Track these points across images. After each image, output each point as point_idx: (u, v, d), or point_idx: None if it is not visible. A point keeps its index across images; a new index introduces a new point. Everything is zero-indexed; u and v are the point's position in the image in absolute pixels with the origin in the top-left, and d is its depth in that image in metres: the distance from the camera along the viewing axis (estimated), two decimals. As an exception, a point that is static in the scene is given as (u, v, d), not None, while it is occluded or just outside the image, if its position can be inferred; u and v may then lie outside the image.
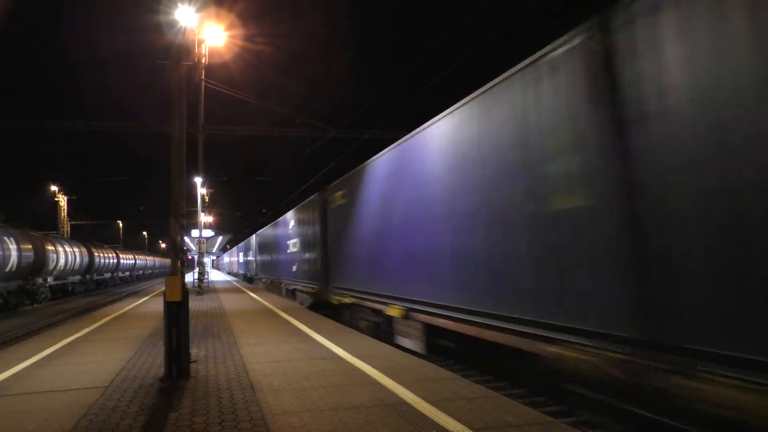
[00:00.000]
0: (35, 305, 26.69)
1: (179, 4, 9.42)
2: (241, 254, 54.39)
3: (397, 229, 9.82)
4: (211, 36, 17.35)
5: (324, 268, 15.38)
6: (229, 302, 18.24)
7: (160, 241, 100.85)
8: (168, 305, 6.51)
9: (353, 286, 12.47)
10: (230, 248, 79.07)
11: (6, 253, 22.31)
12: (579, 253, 5.13)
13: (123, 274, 52.17)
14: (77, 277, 34.96)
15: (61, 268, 30.32)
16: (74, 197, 55.00)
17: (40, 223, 47.51)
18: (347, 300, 12.85)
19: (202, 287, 25.26)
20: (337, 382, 5.90)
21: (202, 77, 20.20)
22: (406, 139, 9.49)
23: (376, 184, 11.16)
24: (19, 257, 23.57)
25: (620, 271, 4.66)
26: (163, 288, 6.65)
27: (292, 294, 20.47)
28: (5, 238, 22.46)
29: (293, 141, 26.28)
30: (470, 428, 4.23)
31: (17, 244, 23.49)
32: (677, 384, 4.09)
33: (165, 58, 7.60)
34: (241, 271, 51.17)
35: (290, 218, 21.63)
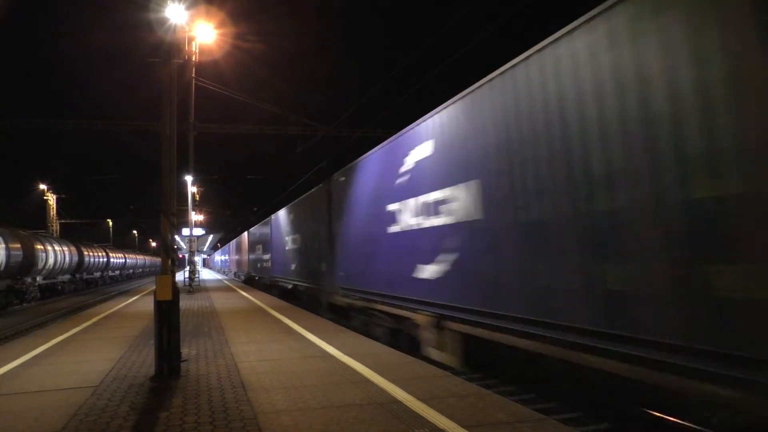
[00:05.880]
0: (24, 305, 26.46)
1: (169, 2, 9.36)
2: (232, 253, 51.01)
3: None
4: (201, 34, 17.26)
5: (330, 266, 13.67)
6: (220, 301, 18.18)
7: (151, 240, 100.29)
8: (158, 304, 6.48)
9: (365, 287, 10.79)
10: (221, 247, 78.70)
11: (-6, 252, 22.09)
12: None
13: (113, 273, 51.81)
14: (67, 277, 34.68)
15: (51, 267, 30.07)
16: (63, 196, 54.51)
17: (29, 222, 47.10)
18: (358, 303, 11.25)
19: (193, 286, 25.17)
20: (329, 381, 5.90)
21: (193, 75, 20.09)
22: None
23: (404, 164, 8.97)
24: (8, 256, 23.35)
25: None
26: (154, 287, 6.63)
27: (291, 294, 19.41)
28: (-7, 237, 22.24)
29: (285, 139, 26.27)
30: (462, 425, 4.25)
31: (6, 243, 23.27)
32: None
33: (155, 56, 7.56)
34: (234, 270, 48.11)
35: (289, 212, 20.35)
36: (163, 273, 6.74)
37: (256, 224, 35.45)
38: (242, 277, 38.79)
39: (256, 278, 29.92)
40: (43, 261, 28.67)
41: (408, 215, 8.80)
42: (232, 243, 52.83)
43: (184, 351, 7.57)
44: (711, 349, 3.66)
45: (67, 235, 46.82)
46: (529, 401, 6.36)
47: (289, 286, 19.70)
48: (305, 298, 17.02)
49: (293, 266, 19.24)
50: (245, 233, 38.67)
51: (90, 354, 8.23)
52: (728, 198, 3.62)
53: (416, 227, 8.42)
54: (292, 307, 15.12)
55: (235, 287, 27.87)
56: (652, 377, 4.07)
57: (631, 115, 4.33)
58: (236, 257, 46.44)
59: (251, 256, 33.62)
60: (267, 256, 26.38)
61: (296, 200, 19.26)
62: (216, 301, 18.01)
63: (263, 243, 27.98)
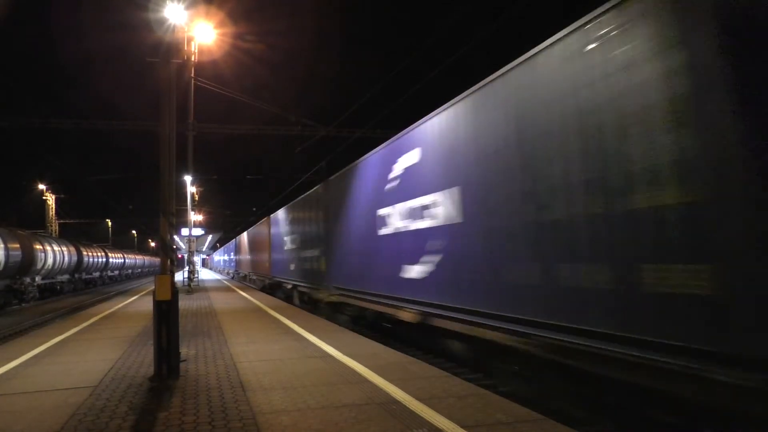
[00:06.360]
0: (23, 305, 26.44)
1: (168, 2, 9.36)
2: (239, 251, 43.14)
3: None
4: (201, 34, 17.26)
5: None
6: (219, 301, 18.18)
7: (150, 240, 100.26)
8: (158, 304, 6.48)
9: None
10: (220, 246, 78.45)
11: (-7, 252, 22.09)
12: None
13: (112, 273, 51.80)
14: (66, 276, 34.66)
15: (50, 267, 30.05)
16: (62, 196, 54.48)
17: (28, 222, 47.05)
18: None
19: (192, 286, 25.16)
20: (328, 381, 5.90)
21: (192, 75, 20.08)
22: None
23: None
24: (7, 256, 23.34)
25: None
26: (153, 287, 6.62)
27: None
28: (-8, 237, 22.24)
29: (284, 139, 26.23)
30: (461, 426, 4.25)
31: (5, 243, 23.26)
32: None
33: (154, 56, 7.55)
34: (242, 272, 39.31)
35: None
36: (162, 273, 6.74)
37: (256, 223, 31.55)
38: (258, 283, 28.74)
39: (290, 286, 19.13)
40: (42, 261, 28.65)
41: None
42: (240, 238, 43.24)
43: (183, 351, 7.57)
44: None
45: (66, 235, 46.80)
46: (529, 401, 6.35)
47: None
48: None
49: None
50: (264, 222, 27.76)
51: (89, 354, 8.23)
52: None
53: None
54: (291, 307, 15.11)
55: (234, 287, 27.84)
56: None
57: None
58: (246, 256, 36.96)
59: (276, 256, 22.84)
60: (313, 253, 15.56)
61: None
62: (215, 301, 18.00)
63: (307, 233, 16.68)
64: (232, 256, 52.61)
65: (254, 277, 31.01)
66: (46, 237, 33.20)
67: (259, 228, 29.52)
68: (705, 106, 3.86)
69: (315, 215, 15.63)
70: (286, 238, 20.25)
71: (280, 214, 22.28)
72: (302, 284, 17.06)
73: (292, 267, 18.91)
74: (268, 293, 22.47)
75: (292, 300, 18.31)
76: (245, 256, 38.28)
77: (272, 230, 24.34)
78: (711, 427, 4.37)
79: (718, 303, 3.74)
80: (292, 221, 19.43)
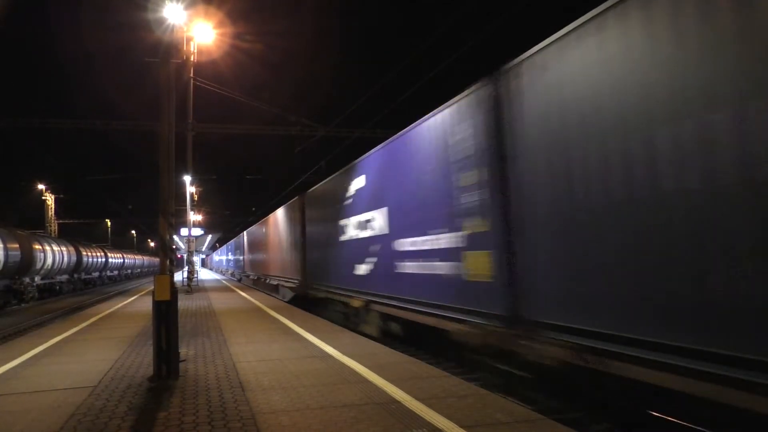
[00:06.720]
0: (22, 305, 26.43)
1: (167, 2, 9.36)
2: (244, 249, 37.53)
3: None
4: (200, 34, 17.27)
5: None
6: (218, 301, 18.17)
7: (149, 240, 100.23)
8: (157, 304, 6.47)
9: None
10: (220, 246, 78.30)
11: (-8, 252, 22.08)
12: None
13: (111, 273, 51.78)
14: (65, 277, 34.64)
15: (49, 267, 30.04)
16: (62, 196, 54.48)
17: (27, 222, 47.03)
18: None
19: (192, 286, 25.15)
20: (327, 381, 5.90)
21: (191, 75, 20.09)
22: None
23: None
24: (6, 257, 23.33)
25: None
26: (152, 287, 6.62)
27: None
28: (-9, 238, 22.23)
29: (283, 139, 26.17)
30: (460, 425, 4.25)
31: (4, 243, 23.25)
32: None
33: (153, 56, 7.56)
34: (252, 274, 32.05)
35: None
36: (162, 273, 6.73)
37: (258, 222, 30.02)
38: (283, 291, 20.36)
39: (358, 303, 11.06)
40: (42, 261, 28.63)
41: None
42: (248, 234, 36.27)
43: (183, 351, 7.57)
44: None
45: (65, 235, 46.75)
46: (528, 401, 6.35)
47: None
48: None
49: None
50: (290, 206, 19.63)
51: (88, 354, 8.22)
52: None
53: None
54: (291, 308, 15.10)
55: (233, 288, 27.83)
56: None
57: None
58: (259, 255, 29.59)
59: (322, 252, 14.93)
60: (442, 241, 7.46)
61: None
62: (214, 302, 18.00)
63: (418, 203, 8.29)
64: (236, 256, 46.20)
65: (274, 282, 22.78)
66: (46, 237, 33.18)
67: (282, 215, 21.57)
68: None
69: (450, 163, 7.34)
70: (346, 222, 12.35)
71: (333, 183, 13.89)
72: (403, 305, 8.84)
73: (363, 270, 11.09)
74: (300, 306, 15.69)
75: (358, 326, 11.15)
76: (257, 255, 30.65)
77: (309, 215, 16.80)
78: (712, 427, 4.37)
79: None
80: (372, 187, 10.81)
